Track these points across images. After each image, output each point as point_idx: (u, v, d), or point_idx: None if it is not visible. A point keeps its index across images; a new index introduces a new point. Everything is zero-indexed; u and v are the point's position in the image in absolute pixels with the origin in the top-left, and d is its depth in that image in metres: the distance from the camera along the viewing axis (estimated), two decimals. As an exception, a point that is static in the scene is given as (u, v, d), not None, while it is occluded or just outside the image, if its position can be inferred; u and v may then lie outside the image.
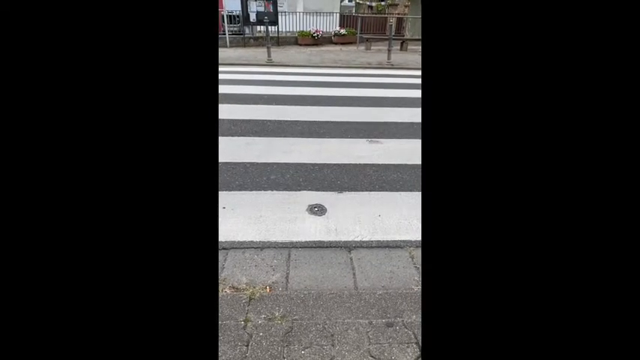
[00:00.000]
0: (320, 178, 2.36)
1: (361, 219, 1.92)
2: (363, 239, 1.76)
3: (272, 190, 2.19)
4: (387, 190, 2.24)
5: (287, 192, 2.18)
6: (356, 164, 2.58)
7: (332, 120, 3.56)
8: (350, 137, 3.12)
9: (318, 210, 1.99)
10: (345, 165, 2.56)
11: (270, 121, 3.47)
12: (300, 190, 2.20)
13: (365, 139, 3.07)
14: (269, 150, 2.79)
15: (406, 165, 2.59)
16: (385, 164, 2.59)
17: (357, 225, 1.86)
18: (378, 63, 7.51)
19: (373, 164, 2.59)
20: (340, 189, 2.24)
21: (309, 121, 3.50)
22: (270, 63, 7.03)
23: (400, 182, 2.34)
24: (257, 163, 2.55)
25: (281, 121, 3.49)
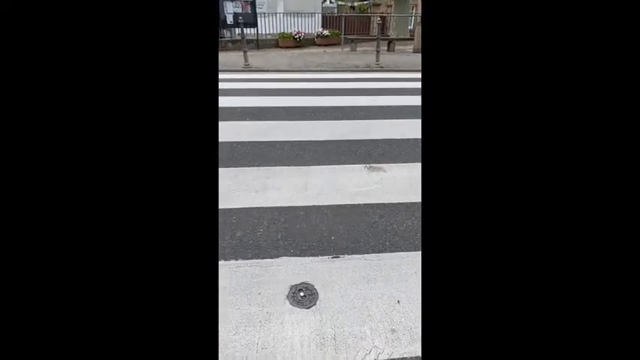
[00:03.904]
0: (306, 232, 1.68)
1: (371, 310, 1.25)
2: (380, 358, 1.09)
3: (236, 260, 1.50)
4: (401, 249, 1.57)
5: (258, 261, 1.49)
6: (354, 205, 1.91)
7: (319, 139, 2.89)
8: (343, 162, 2.45)
9: (304, 296, 1.31)
10: (339, 207, 1.89)
11: (241, 144, 2.77)
12: (277, 257, 1.51)
13: (362, 165, 2.40)
14: (237, 187, 2.10)
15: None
16: (393, 204, 1.93)
17: (365, 324, 1.19)
18: (367, 65, 6.89)
19: (377, 204, 1.92)
20: (335, 250, 1.56)
21: (291, 142, 2.81)
22: (247, 68, 6.32)
23: (419, 232, 1.69)
24: (219, 211, 1.85)
25: (255, 143, 2.79)
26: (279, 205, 1.90)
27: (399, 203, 1.93)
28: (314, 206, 1.89)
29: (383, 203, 1.93)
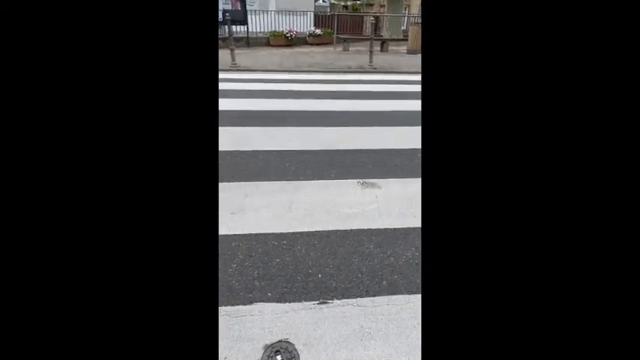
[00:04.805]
0: (288, 268, 1.42)
1: (366, 381, 0.99)
2: None
3: (201, 307, 1.23)
4: (401, 290, 1.32)
5: (228, 309, 1.21)
6: (346, 231, 1.65)
7: (308, 148, 2.62)
8: (334, 177, 2.19)
9: (282, 361, 1.04)
10: (328, 234, 1.63)
11: (219, 153, 2.49)
12: (251, 303, 1.25)
13: (356, 181, 2.15)
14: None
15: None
16: (390, 229, 1.67)
17: (359, 405, 0.93)
18: (359, 66, 6.65)
19: (372, 230, 1.67)
20: (322, 293, 1.30)
21: (276, 152, 2.54)
22: (234, 68, 6.01)
23: (419, 268, 1.44)
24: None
25: (236, 152, 2.51)
26: (257, 231, 1.63)
27: (397, 229, 1.68)
28: (299, 233, 1.63)
29: (379, 229, 1.68)
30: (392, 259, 1.49)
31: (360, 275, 1.39)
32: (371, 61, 6.64)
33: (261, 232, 1.63)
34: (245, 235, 1.60)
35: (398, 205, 1.89)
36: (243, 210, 1.80)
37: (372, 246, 1.56)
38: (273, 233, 1.62)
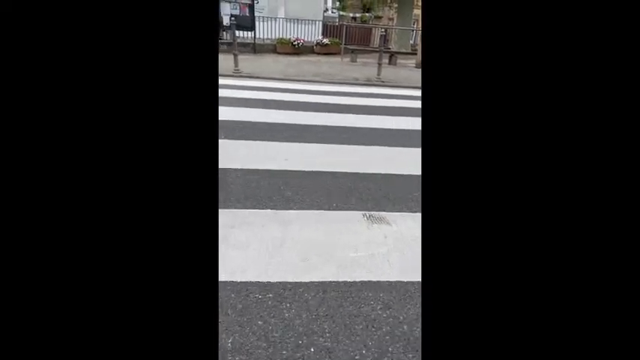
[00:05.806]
0: (271, 332, 1.10)
1: None
2: None
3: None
4: (418, 377, 1.00)
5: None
6: (348, 285, 1.34)
7: (307, 169, 2.32)
8: (335, 207, 1.89)
9: None
10: (326, 287, 1.31)
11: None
12: (218, 392, 0.93)
13: (361, 213, 1.84)
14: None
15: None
16: (403, 283, 1.36)
17: None
18: (367, 79, 6.40)
19: (381, 284, 1.35)
20: (315, 377, 0.98)
21: (272, 171, 2.24)
22: (237, 74, 5.76)
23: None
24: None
25: (226, 171, 2.21)
26: (238, 278, 1.32)
27: (410, 283, 1.36)
28: (289, 284, 1.32)
29: (388, 282, 1.36)
30: (404, 327, 1.17)
31: (364, 351, 1.07)
32: (379, 74, 6.40)
33: (243, 279, 1.32)
34: (223, 282, 1.29)
35: (411, 248, 1.58)
36: (226, 246, 1.49)
37: (379, 307, 1.24)
38: (258, 282, 1.31)
